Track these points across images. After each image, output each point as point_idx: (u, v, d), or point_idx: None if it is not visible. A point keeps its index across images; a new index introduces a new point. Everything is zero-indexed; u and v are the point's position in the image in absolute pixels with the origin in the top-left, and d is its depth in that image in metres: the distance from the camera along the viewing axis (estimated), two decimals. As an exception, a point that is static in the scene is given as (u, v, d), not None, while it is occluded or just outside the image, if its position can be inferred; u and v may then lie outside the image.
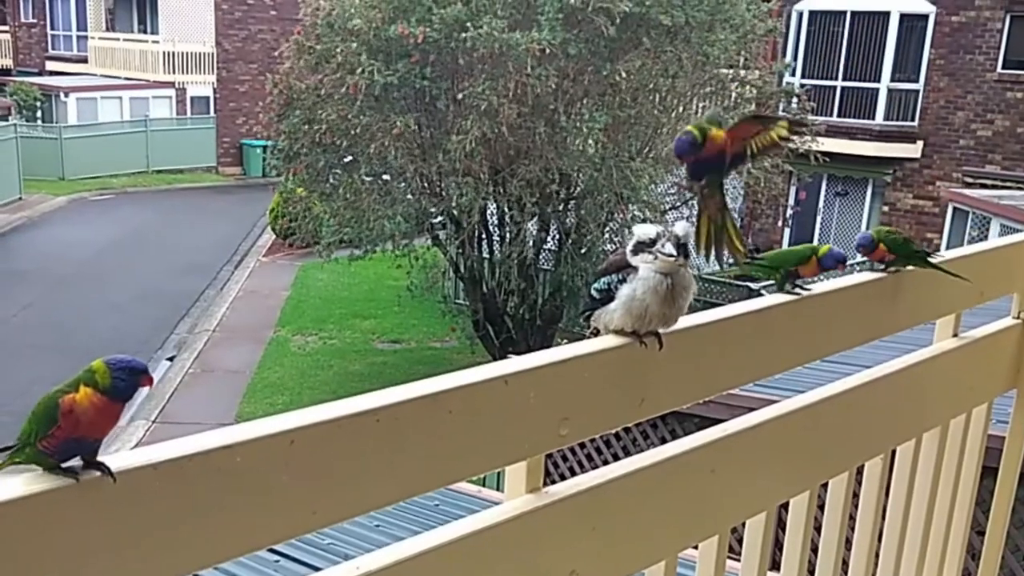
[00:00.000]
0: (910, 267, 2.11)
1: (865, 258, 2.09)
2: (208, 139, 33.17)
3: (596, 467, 1.64)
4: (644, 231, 1.53)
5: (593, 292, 1.60)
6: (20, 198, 27.09)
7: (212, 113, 33.54)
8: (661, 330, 1.57)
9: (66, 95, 31.97)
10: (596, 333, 1.61)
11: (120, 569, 1.07)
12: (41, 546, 1.01)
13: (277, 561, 3.80)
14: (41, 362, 15.47)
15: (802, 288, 1.89)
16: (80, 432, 1.04)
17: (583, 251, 14.42)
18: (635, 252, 1.52)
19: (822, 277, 2.06)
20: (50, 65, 35.69)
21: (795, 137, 1.67)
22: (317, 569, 3.51)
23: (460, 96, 13.09)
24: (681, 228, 1.52)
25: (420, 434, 1.32)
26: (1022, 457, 2.74)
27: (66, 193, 28.47)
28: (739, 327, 1.80)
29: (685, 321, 1.63)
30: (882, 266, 2.08)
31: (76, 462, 1.04)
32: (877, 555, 2.35)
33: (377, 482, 1.29)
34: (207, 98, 33.68)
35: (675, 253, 1.48)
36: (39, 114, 31.93)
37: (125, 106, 32.61)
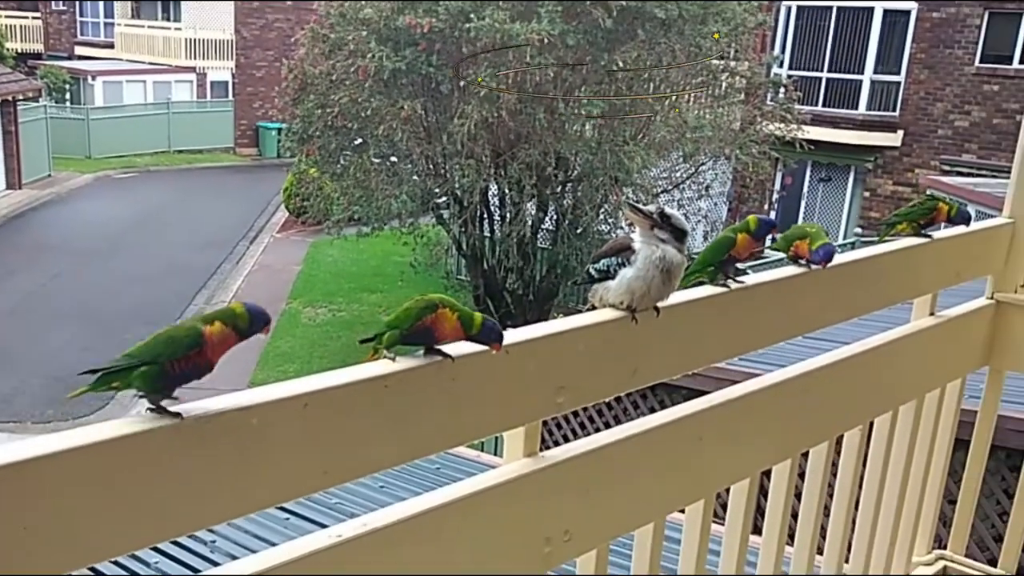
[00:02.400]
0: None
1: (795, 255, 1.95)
2: (226, 121, 33.06)
3: (589, 435, 1.64)
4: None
5: (592, 271, 1.61)
6: (49, 175, 27.06)
7: (230, 97, 33.41)
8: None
9: (93, 78, 31.85)
10: (592, 308, 1.61)
11: (139, 523, 1.07)
12: (62, 498, 1.01)
13: (287, 519, 3.80)
14: (67, 328, 15.49)
15: (735, 279, 1.77)
16: (207, 358, 1.13)
17: (579, 231, 14.40)
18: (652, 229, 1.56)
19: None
20: (79, 50, 35.50)
21: None
22: (325, 526, 3.52)
23: (463, 83, 13.03)
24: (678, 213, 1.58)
25: (426, 400, 1.32)
26: (992, 430, 2.74)
27: (92, 171, 28.40)
28: (726, 304, 1.79)
29: (675, 297, 1.63)
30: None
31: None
32: (854, 521, 2.36)
33: (385, 444, 1.29)
34: (226, 83, 33.54)
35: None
36: (68, 96, 31.79)
37: (149, 89, 32.50)
